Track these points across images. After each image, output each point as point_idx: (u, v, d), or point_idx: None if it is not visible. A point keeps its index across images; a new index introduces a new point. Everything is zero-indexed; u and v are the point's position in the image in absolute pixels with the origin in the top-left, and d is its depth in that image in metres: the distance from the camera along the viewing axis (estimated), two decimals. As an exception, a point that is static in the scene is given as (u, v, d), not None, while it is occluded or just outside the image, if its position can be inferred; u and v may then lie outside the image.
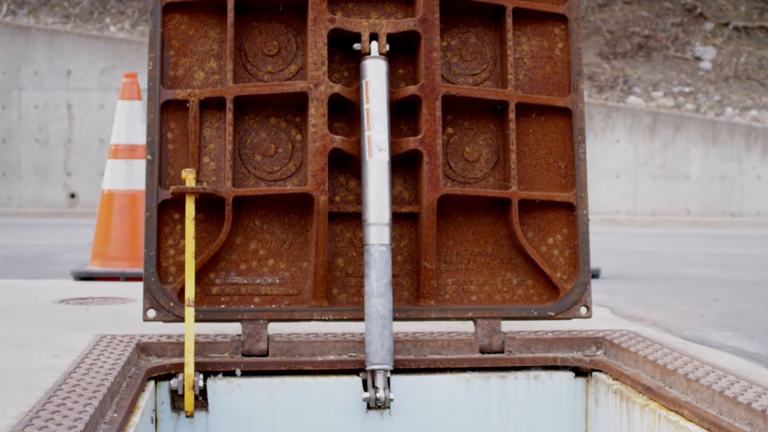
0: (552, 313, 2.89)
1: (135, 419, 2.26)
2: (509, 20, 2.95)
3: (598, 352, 2.89)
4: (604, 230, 12.90)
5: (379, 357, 2.68)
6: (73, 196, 16.70)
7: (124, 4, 18.06)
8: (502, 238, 2.95)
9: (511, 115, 2.91)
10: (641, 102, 15.22)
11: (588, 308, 2.90)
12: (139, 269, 4.78)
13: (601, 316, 3.40)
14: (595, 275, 5.32)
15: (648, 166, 14.92)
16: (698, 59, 16.10)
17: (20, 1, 18.23)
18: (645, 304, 3.85)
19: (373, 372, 2.71)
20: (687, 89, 15.54)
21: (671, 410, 2.32)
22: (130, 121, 5.15)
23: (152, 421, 2.61)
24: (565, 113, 2.98)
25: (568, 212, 2.95)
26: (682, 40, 16.42)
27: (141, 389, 2.49)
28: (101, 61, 16.79)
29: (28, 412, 1.94)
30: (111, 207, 5.05)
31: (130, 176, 5.06)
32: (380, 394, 2.68)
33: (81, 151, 16.57)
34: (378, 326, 2.69)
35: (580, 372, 2.85)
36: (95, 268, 5.04)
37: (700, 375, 2.34)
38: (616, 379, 2.68)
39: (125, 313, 3.37)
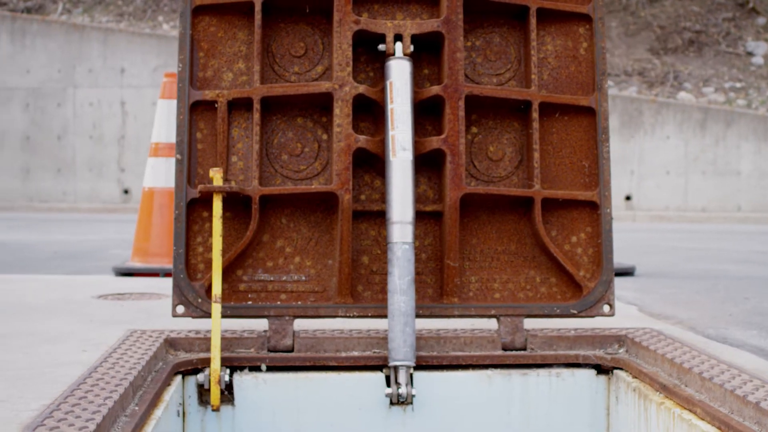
0: (575, 311, 2.91)
1: (157, 412, 2.32)
2: (533, 20, 2.97)
3: (620, 350, 2.90)
4: (652, 227, 12.82)
5: (401, 353, 2.72)
6: (126, 191, 16.95)
7: (176, 2, 18.27)
8: (526, 236, 2.97)
9: (535, 115, 2.93)
10: (692, 98, 15.07)
11: (611, 306, 2.92)
12: (180, 265, 4.85)
13: (628, 314, 3.41)
14: (630, 273, 5.31)
15: (698, 162, 14.78)
16: (750, 54, 15.89)
17: (75, 0, 18.51)
18: (674, 302, 3.85)
19: (395, 368, 2.75)
20: (738, 84, 15.36)
21: (685, 408, 2.34)
22: (171, 120, 5.24)
23: (179, 415, 2.68)
24: (589, 112, 2.99)
25: (592, 211, 2.96)
26: (733, 35, 16.22)
27: (166, 383, 2.56)
28: (154, 58, 17.01)
29: (49, 404, 2.01)
30: (151, 204, 5.16)
31: (170, 174, 5.15)
32: (402, 390, 2.72)
33: (134, 148, 16.82)
34: (400, 323, 2.73)
35: (602, 370, 2.87)
36: (136, 264, 5.15)
37: (714, 374, 2.35)
38: (636, 377, 2.69)
39: (159, 308, 3.44)
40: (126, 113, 16.97)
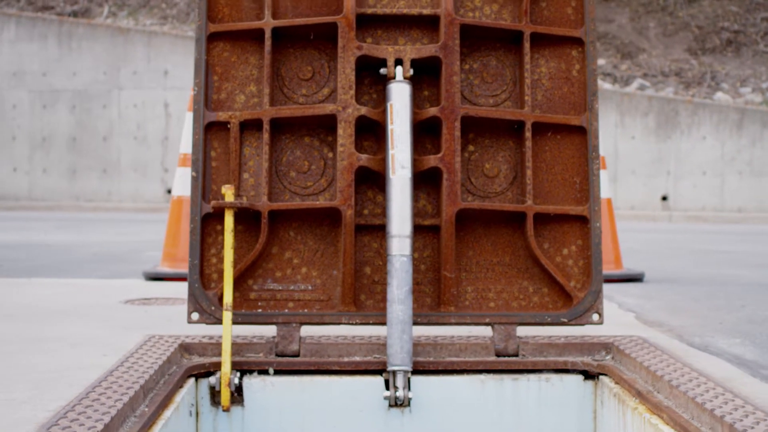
0: (565, 320, 3.08)
1: (167, 413, 2.54)
2: (527, 45, 3.14)
3: (607, 357, 3.07)
4: (688, 227, 12.87)
5: (398, 359, 2.91)
6: (169, 191, 17.27)
7: (218, 5, 18.53)
8: (520, 248, 3.14)
9: (528, 134, 3.10)
10: (728, 98, 15.07)
11: (600, 315, 3.08)
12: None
13: (623, 322, 3.57)
14: (639, 279, 5.44)
15: (735, 162, 14.79)
16: (787, 54, 15.86)
17: (120, 4, 18.89)
18: (672, 310, 3.99)
19: (393, 373, 2.93)
20: (776, 85, 15.33)
21: (654, 414, 2.51)
22: (200, 131, 5.46)
23: (191, 414, 2.89)
24: (581, 131, 3.15)
25: (582, 225, 3.13)
26: (771, 35, 16.18)
27: (178, 386, 2.77)
28: (196, 60, 17.26)
29: (65, 405, 2.23)
30: (180, 212, 5.39)
31: (197, 184, 5.37)
32: (400, 393, 2.91)
33: (177, 148, 17.13)
34: (398, 330, 2.92)
35: (589, 375, 3.03)
36: (165, 269, 5.39)
37: (682, 382, 2.52)
38: (617, 383, 2.86)
39: (179, 314, 3.66)
40: (169, 115, 17.32)
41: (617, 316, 3.80)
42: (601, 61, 16.48)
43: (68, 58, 17.66)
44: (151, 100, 17.45)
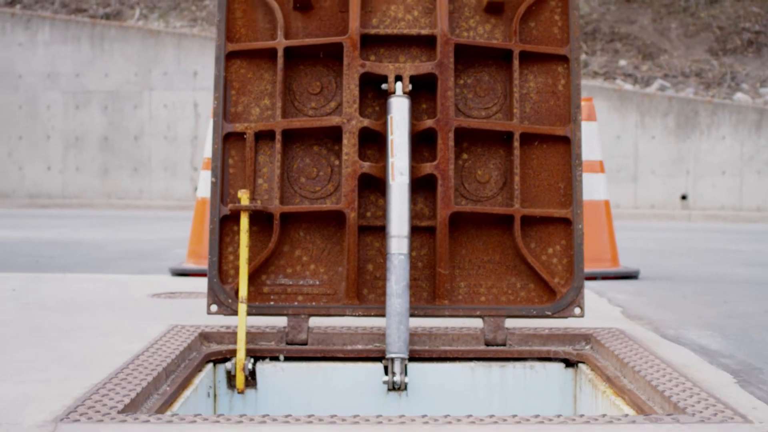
0: (549, 313, 3.38)
1: (187, 393, 2.87)
2: (516, 62, 3.44)
3: (587, 347, 3.37)
4: (706, 226, 13.07)
5: (396, 347, 3.23)
6: (197, 189, 17.63)
7: (246, 7, 18.85)
8: (508, 248, 3.45)
9: (516, 144, 3.40)
10: (748, 98, 15.26)
11: (581, 309, 3.38)
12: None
13: (608, 316, 3.87)
14: (634, 276, 5.73)
15: (754, 162, 14.98)
16: (806, 56, 16.01)
17: (151, 6, 19.29)
18: (657, 305, 4.28)
19: (392, 360, 3.25)
20: (794, 86, 15.49)
21: (618, 396, 2.81)
22: (224, 135, 5.80)
23: (209, 396, 3.22)
24: (565, 141, 3.45)
25: (566, 226, 3.43)
26: (791, 36, 16.34)
27: (198, 369, 3.11)
28: (225, 61, 17.59)
29: (96, 384, 2.56)
30: (204, 212, 5.74)
31: (221, 185, 5.72)
32: (397, 379, 3.22)
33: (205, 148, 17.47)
34: (396, 321, 3.23)
35: (570, 363, 3.34)
36: (189, 265, 5.73)
37: (644, 368, 2.82)
38: (592, 370, 3.17)
39: (201, 306, 3.99)
40: (198, 115, 17.71)
41: (605, 310, 4.09)
42: (622, 62, 16.71)
43: (100, 59, 18.09)
44: (181, 100, 17.85)
